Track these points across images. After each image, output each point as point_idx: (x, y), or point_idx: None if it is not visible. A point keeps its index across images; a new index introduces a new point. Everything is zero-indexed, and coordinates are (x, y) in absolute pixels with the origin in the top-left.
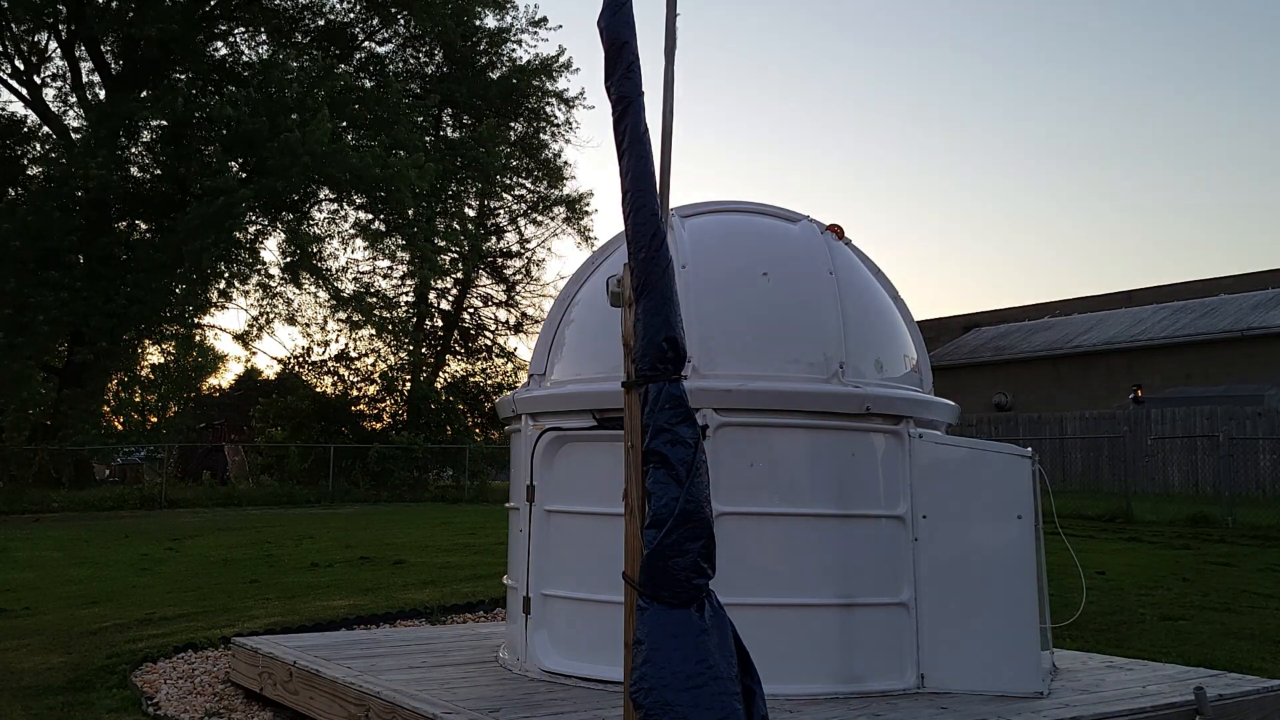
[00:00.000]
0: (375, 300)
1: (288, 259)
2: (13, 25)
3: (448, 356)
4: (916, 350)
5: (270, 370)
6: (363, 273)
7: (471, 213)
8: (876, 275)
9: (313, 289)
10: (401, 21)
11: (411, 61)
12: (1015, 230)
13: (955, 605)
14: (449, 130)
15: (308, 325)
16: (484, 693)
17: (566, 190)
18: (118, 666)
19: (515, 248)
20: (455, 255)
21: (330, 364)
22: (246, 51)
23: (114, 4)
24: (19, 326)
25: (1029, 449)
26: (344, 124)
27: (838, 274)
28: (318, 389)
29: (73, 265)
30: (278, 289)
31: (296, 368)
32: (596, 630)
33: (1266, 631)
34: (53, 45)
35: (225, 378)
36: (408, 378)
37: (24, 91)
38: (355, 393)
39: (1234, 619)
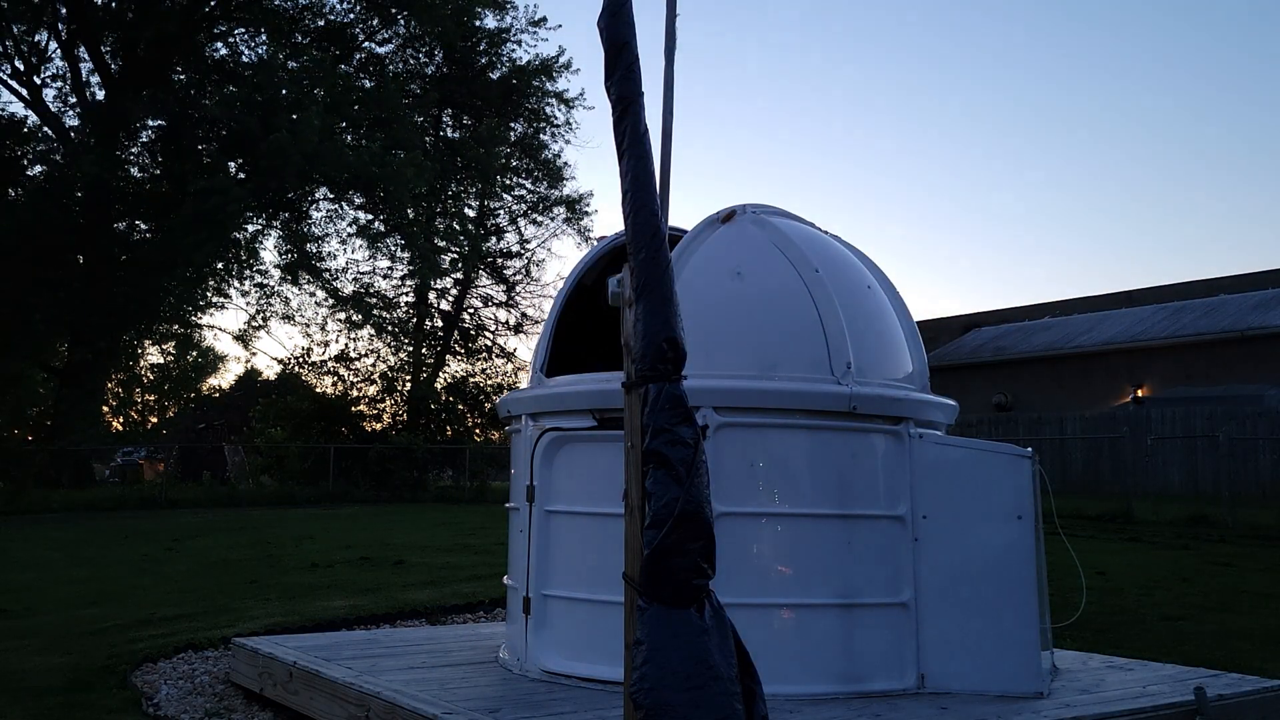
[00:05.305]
0: (375, 300)
1: (285, 258)
2: (13, 25)
3: (448, 357)
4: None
5: (270, 370)
6: (362, 273)
7: (471, 213)
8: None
9: (311, 289)
10: (401, 22)
11: (411, 61)
12: (1015, 230)
13: (955, 605)
14: (449, 130)
15: (307, 325)
16: (484, 693)
17: (566, 190)
18: (118, 666)
19: (515, 248)
20: (455, 255)
21: (330, 364)
22: (246, 52)
23: (114, 4)
24: (16, 326)
25: (1029, 449)
26: (343, 123)
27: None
28: (318, 389)
29: (71, 265)
30: (276, 288)
31: (296, 368)
32: (596, 630)
33: (1266, 631)
34: (53, 45)
35: (225, 378)
36: (408, 378)
37: (24, 92)
38: (355, 393)
39: (1234, 619)
